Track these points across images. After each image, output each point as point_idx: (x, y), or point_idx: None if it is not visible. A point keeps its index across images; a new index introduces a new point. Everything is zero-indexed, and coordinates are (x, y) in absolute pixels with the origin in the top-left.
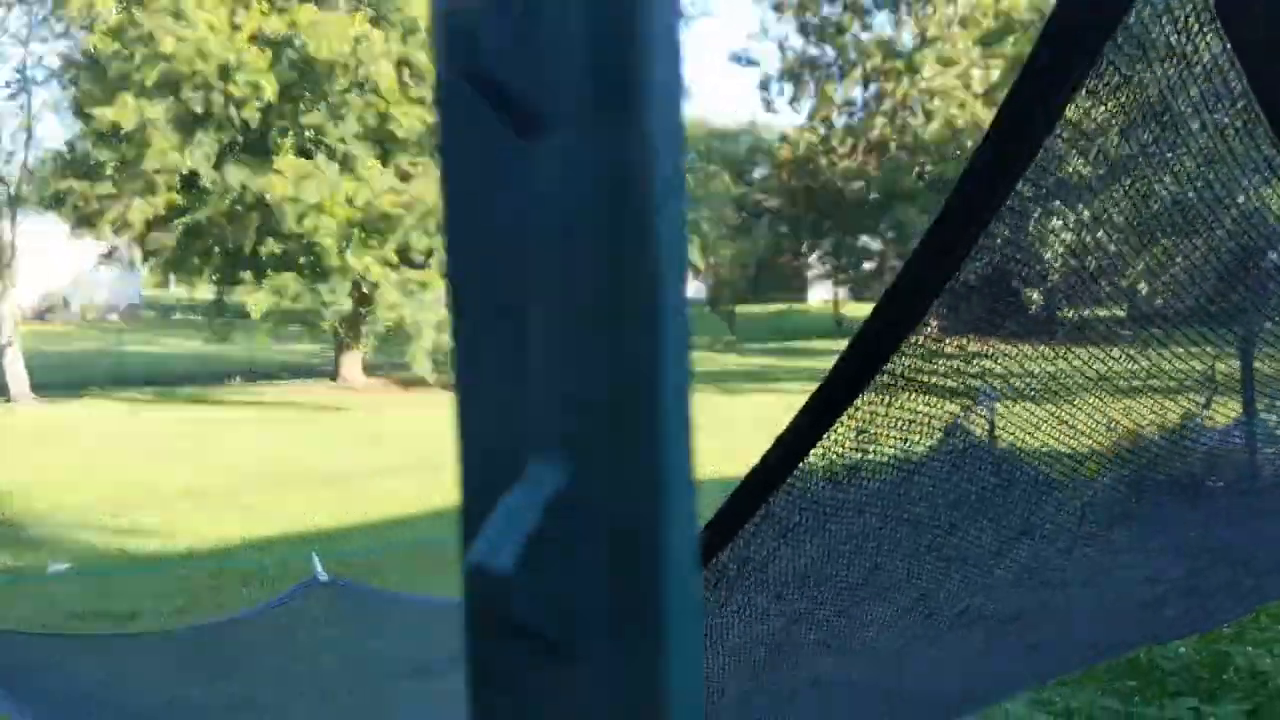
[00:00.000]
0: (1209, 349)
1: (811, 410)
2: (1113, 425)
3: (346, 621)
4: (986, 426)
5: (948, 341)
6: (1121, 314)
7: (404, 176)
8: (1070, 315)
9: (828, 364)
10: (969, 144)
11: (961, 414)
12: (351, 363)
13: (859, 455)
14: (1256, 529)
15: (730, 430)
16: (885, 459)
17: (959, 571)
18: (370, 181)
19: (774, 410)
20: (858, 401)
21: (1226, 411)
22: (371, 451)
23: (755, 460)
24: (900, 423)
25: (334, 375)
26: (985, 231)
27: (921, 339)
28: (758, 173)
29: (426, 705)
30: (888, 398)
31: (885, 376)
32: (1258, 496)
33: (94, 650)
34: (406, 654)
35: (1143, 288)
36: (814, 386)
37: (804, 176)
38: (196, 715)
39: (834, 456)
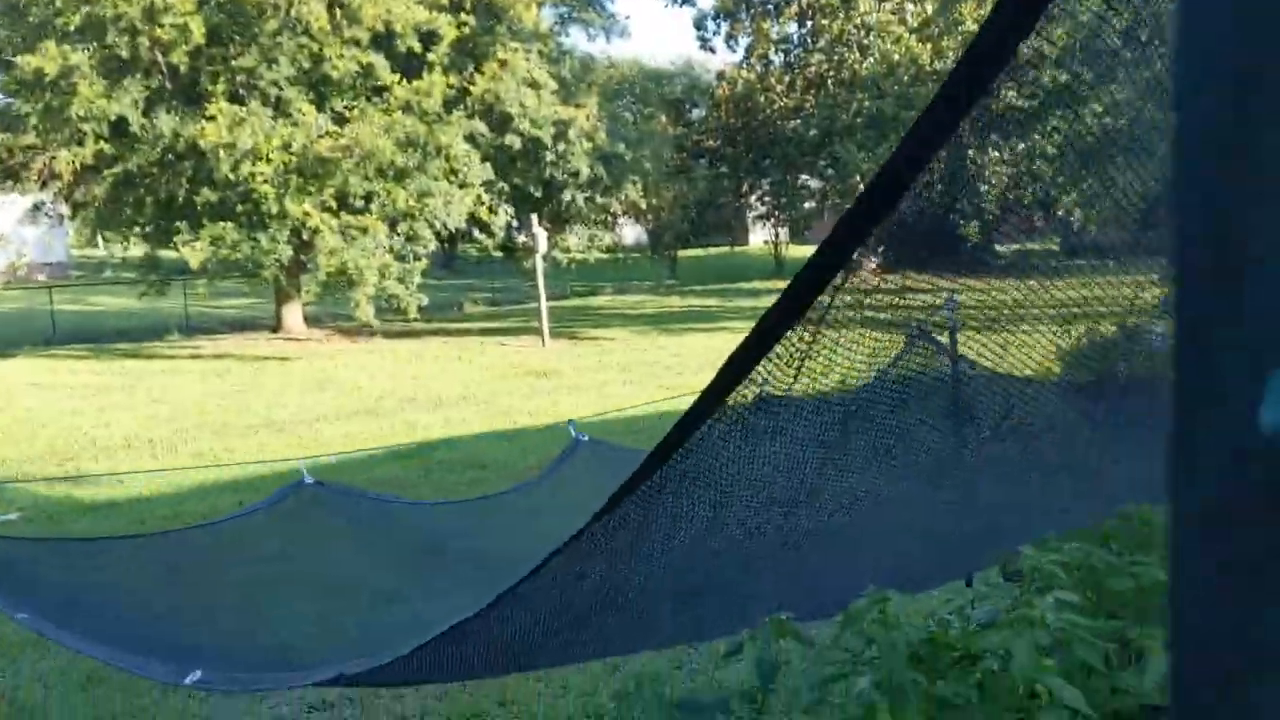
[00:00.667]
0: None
1: (757, 337)
2: (1051, 345)
3: (339, 516)
4: (933, 351)
5: (891, 277)
6: (1055, 246)
7: (340, 120)
8: (1008, 250)
9: (768, 303)
10: (906, 79)
11: (906, 343)
12: (292, 313)
13: (801, 382)
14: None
15: (680, 368)
16: (833, 384)
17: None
18: (306, 126)
19: (720, 349)
20: (797, 333)
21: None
22: (320, 398)
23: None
24: (842, 351)
25: (275, 327)
26: (932, 167)
27: (863, 275)
28: (695, 113)
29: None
30: (831, 330)
31: (831, 311)
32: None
33: (92, 553)
34: (409, 541)
35: (1077, 219)
36: (752, 324)
37: (742, 115)
38: (211, 607)
39: (779, 381)
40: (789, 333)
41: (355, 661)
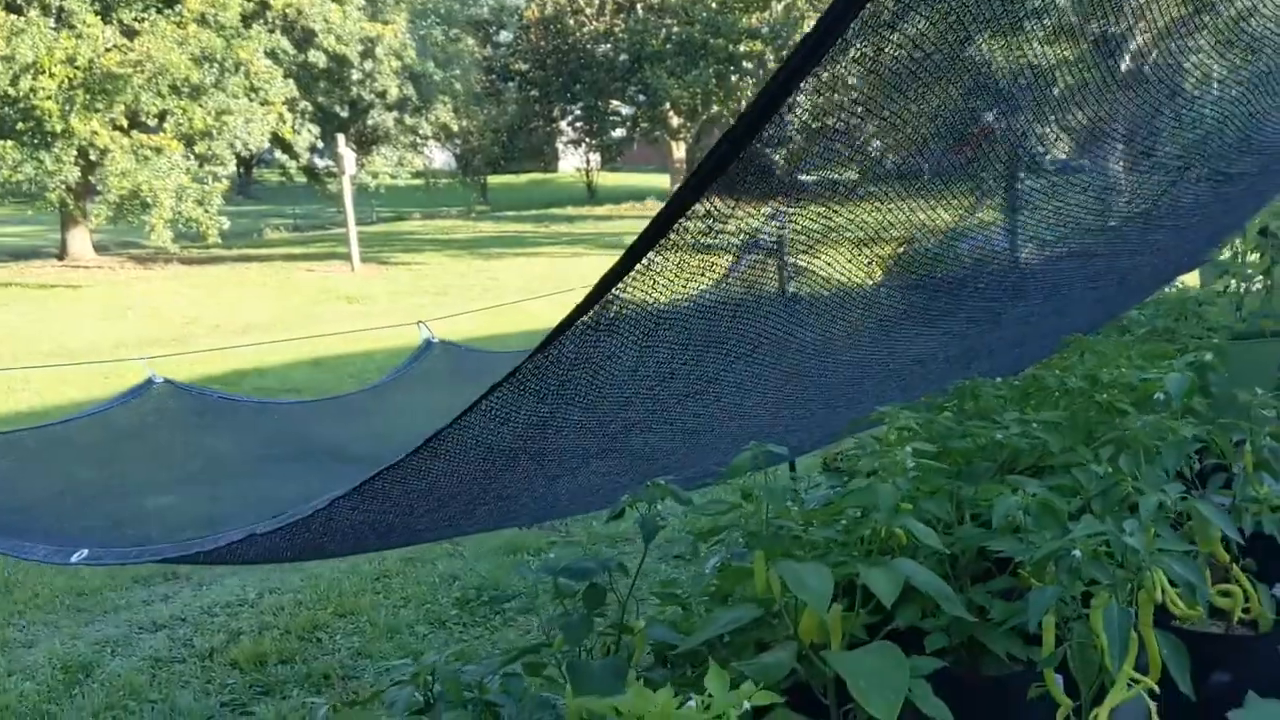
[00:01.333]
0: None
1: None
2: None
3: (193, 414)
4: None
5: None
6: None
7: (129, 33)
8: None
9: (583, 229)
10: (714, 5)
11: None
12: (79, 240)
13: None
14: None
15: (500, 292)
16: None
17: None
18: (92, 38)
19: (538, 273)
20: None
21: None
22: (119, 326)
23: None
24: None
25: (61, 254)
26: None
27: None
28: (504, 35)
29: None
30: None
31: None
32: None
33: None
34: (271, 435)
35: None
36: (570, 250)
37: (552, 38)
38: (91, 499)
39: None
40: (652, 254)
41: (266, 522)
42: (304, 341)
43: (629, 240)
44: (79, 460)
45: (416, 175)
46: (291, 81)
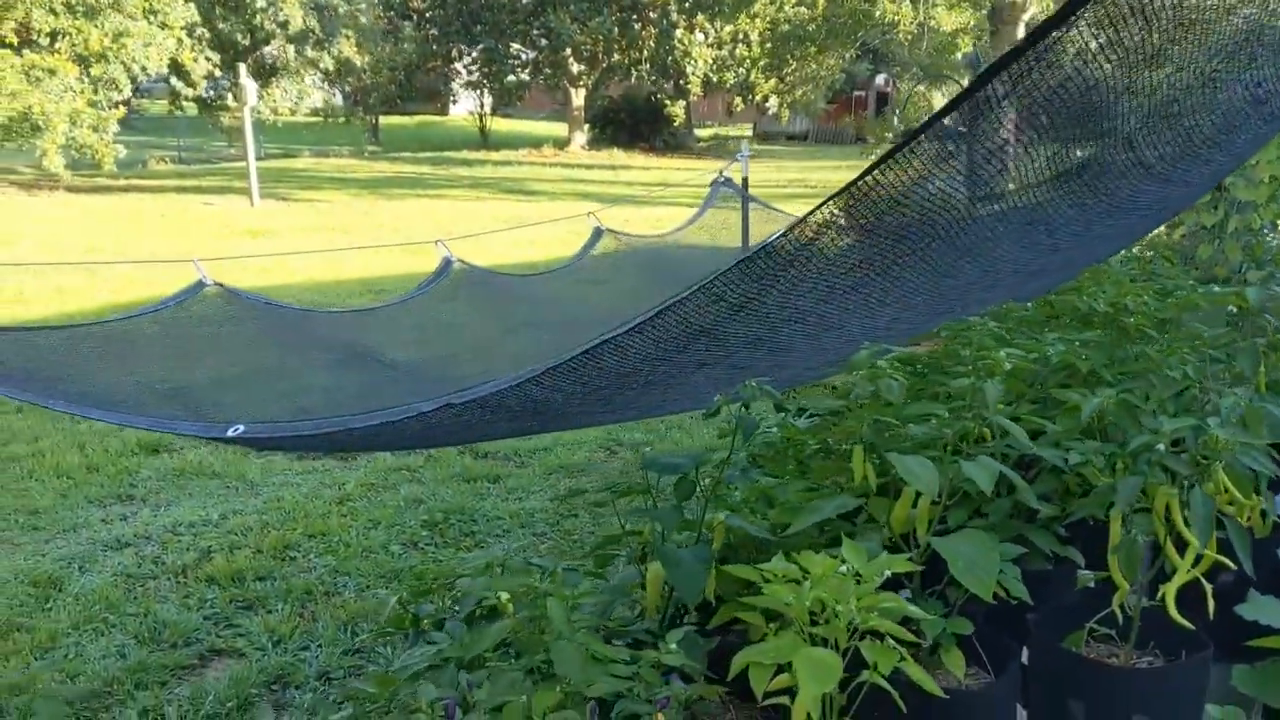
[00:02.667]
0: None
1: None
2: None
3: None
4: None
5: None
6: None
7: None
8: None
9: (482, 173)
10: None
11: None
12: None
13: None
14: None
15: (409, 231)
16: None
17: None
18: None
19: (447, 215)
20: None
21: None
22: (13, 252)
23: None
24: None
25: None
26: None
27: None
28: None
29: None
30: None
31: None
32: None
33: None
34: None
35: None
36: (472, 193)
37: None
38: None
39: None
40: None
41: (461, 392)
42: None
43: (531, 186)
44: (140, 355)
45: (314, 112)
46: (193, 5)
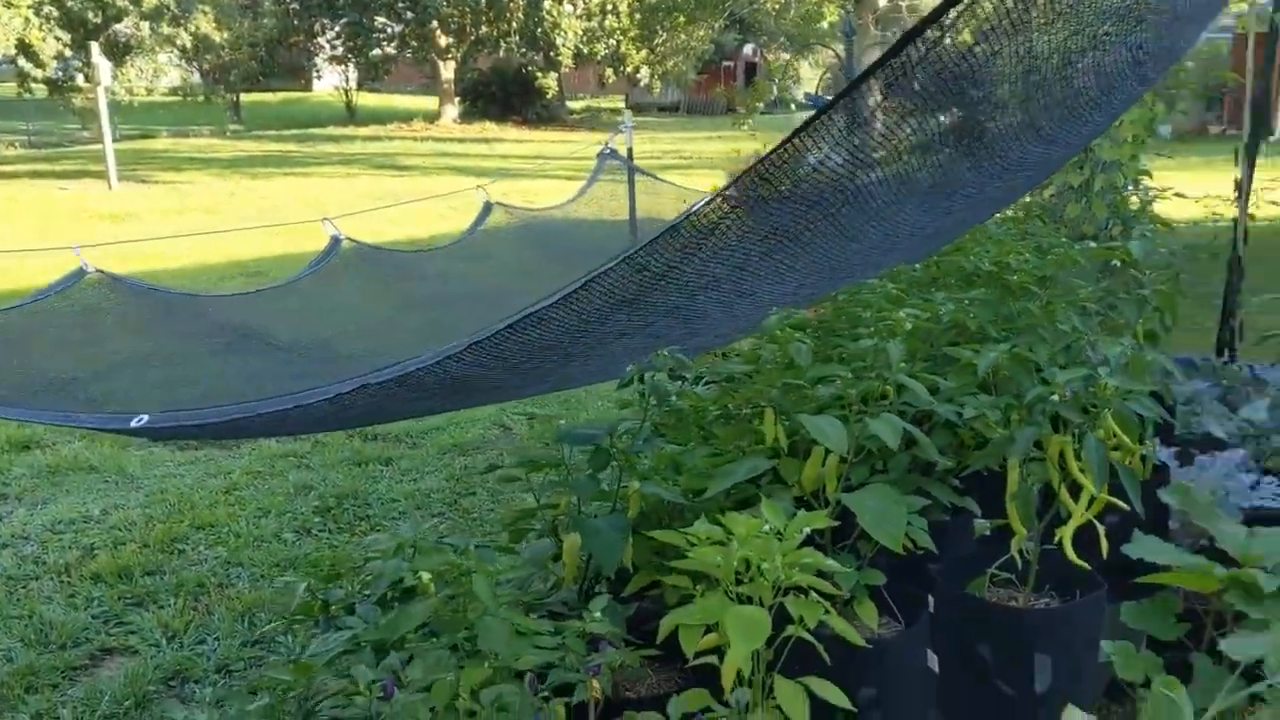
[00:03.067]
0: None
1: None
2: None
3: (128, 305)
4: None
5: None
6: None
7: None
8: None
9: (351, 149)
10: None
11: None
12: None
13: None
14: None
15: (278, 211)
16: None
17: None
18: None
19: (315, 192)
20: None
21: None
22: None
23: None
24: None
25: None
26: None
27: None
28: None
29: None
30: None
31: None
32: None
33: None
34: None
35: None
36: (343, 170)
37: None
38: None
39: None
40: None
41: (378, 372)
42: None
43: (404, 161)
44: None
45: (172, 91)
46: None
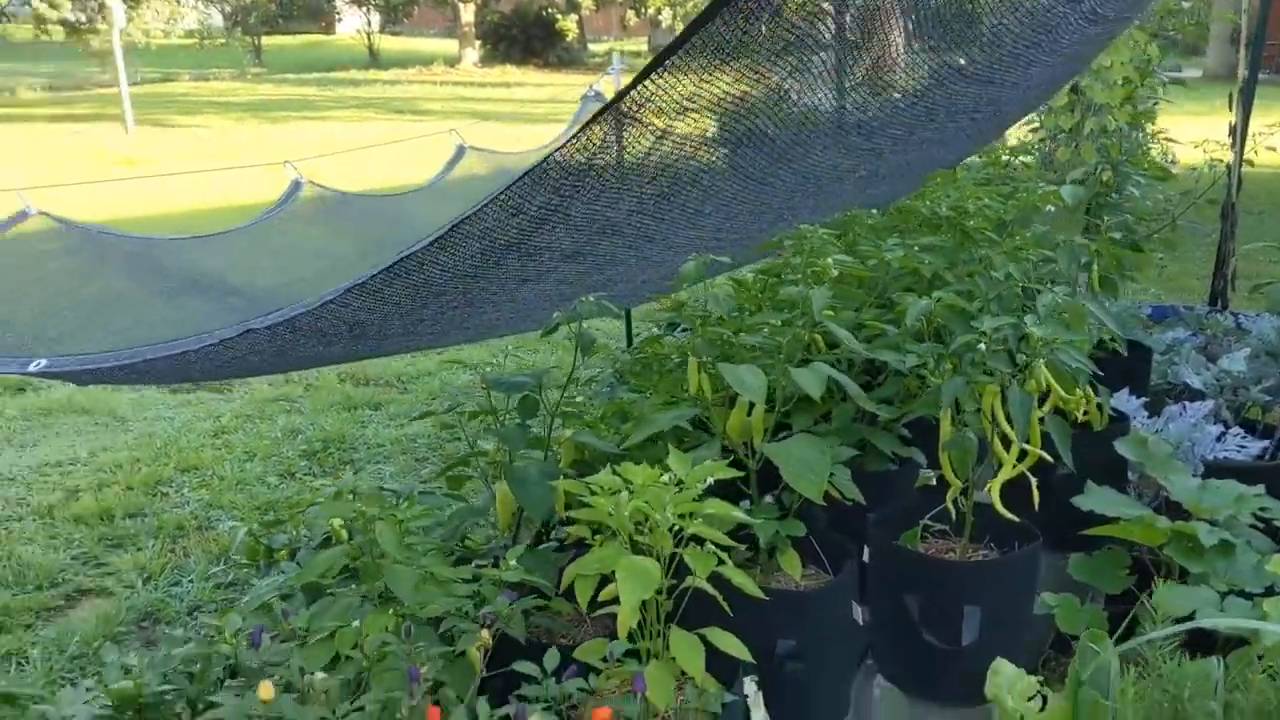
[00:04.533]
0: None
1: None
2: None
3: (73, 248)
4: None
5: None
6: None
7: None
8: None
9: (371, 94)
10: None
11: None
12: None
13: None
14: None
15: (294, 152)
16: None
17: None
18: None
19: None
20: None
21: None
22: None
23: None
24: None
25: None
26: None
27: None
28: None
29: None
30: None
31: None
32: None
33: None
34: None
35: None
36: (360, 114)
37: None
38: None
39: None
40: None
41: (262, 317)
42: (83, 207)
43: (422, 105)
44: None
45: (190, 34)
46: None
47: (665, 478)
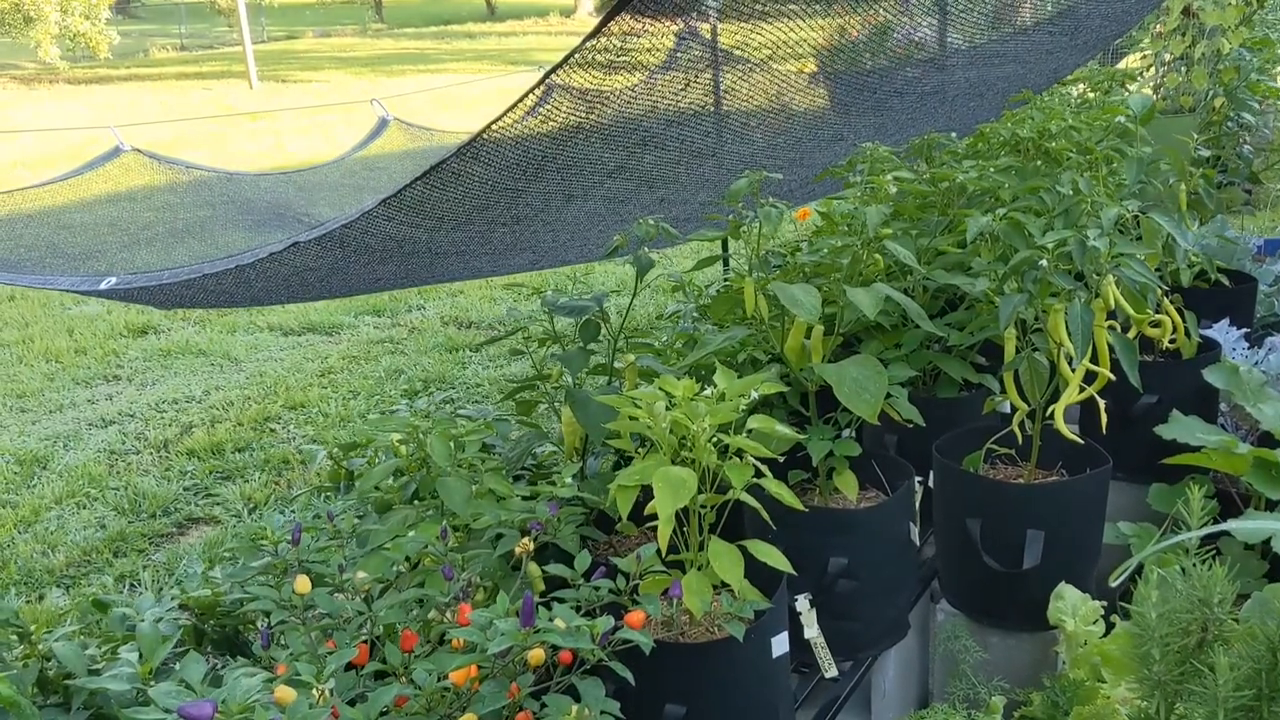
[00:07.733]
0: None
1: None
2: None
3: (172, 177)
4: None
5: None
6: None
7: None
8: None
9: (487, 46)
10: None
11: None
12: None
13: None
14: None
15: (408, 109)
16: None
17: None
18: None
19: (450, 91)
20: None
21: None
22: (9, 150)
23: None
24: None
25: None
26: None
27: None
28: None
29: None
30: None
31: None
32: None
33: None
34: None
35: None
36: (474, 65)
37: None
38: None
39: None
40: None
41: (307, 231)
42: (216, 157)
43: (536, 56)
44: (60, 222)
45: None
46: None
47: (708, 391)
